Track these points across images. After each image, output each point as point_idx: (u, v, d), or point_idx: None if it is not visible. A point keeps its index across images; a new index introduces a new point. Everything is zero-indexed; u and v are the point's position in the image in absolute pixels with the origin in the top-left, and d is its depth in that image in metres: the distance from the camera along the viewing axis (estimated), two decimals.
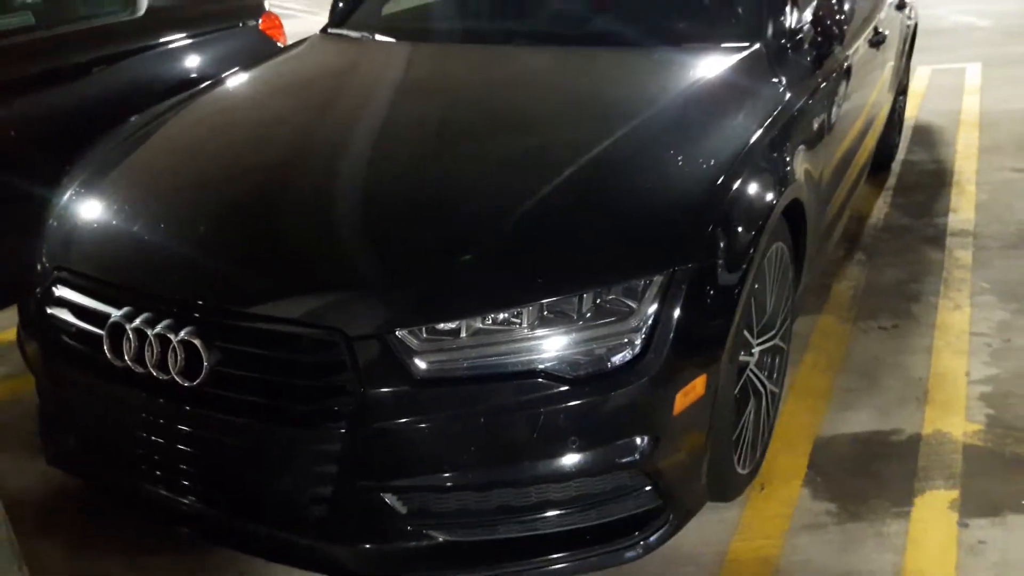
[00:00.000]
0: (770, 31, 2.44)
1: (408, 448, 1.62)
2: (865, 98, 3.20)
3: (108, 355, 1.79)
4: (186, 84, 3.76)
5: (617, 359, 1.64)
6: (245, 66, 2.80)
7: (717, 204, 1.81)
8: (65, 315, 1.93)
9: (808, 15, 2.57)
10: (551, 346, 1.63)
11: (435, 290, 1.65)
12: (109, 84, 3.64)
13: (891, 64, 3.85)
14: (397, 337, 1.60)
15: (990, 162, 4.60)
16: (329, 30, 3.06)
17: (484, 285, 1.66)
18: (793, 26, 2.50)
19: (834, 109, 2.65)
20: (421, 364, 1.60)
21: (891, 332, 3.00)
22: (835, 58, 2.61)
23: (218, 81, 2.69)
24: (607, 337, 1.64)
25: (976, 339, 2.92)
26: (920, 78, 6.40)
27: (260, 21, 4.36)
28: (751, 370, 2.14)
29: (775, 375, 2.33)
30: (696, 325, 1.71)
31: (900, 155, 4.75)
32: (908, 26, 4.22)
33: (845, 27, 2.51)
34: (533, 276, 1.66)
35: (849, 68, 2.84)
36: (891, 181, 4.42)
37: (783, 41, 2.46)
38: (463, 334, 1.62)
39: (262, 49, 4.22)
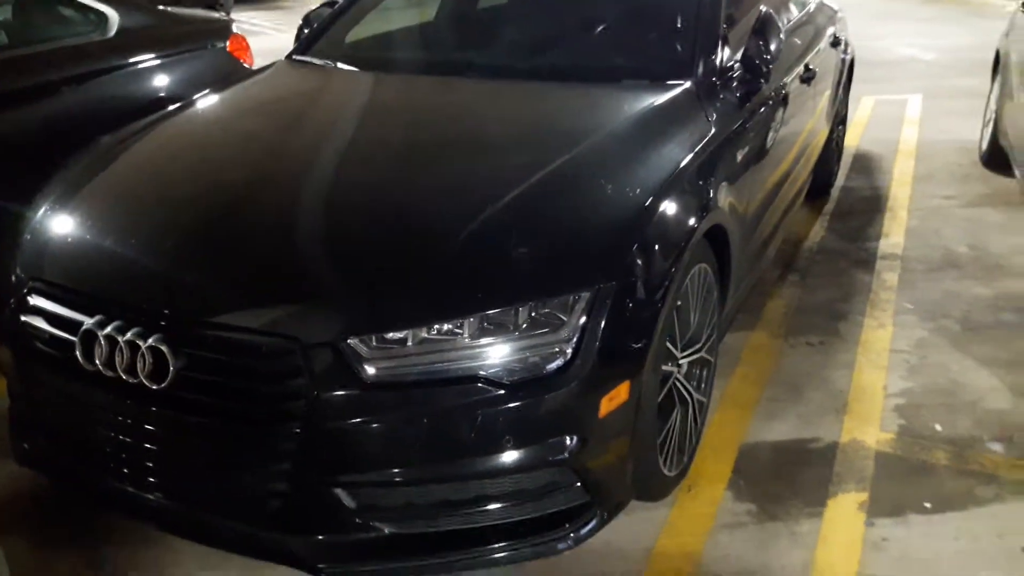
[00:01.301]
0: (701, 69, 2.65)
1: (357, 447, 1.78)
2: (797, 129, 3.43)
3: (80, 360, 1.92)
4: (155, 103, 3.91)
5: (549, 366, 1.82)
6: (213, 89, 2.96)
7: (639, 228, 2.00)
8: (39, 323, 2.06)
9: (737, 55, 2.79)
10: (489, 354, 1.80)
11: (384, 302, 1.82)
12: (80, 102, 3.77)
13: (826, 97, 4.10)
14: (349, 345, 1.76)
15: (923, 190, 4.88)
16: (294, 56, 3.22)
17: (429, 297, 1.83)
18: (723, 64, 2.72)
19: (762, 140, 2.88)
20: (370, 370, 1.76)
21: (818, 348, 3.22)
22: (763, 94, 2.83)
23: (187, 104, 2.84)
24: (540, 346, 1.82)
25: (896, 355, 3.15)
26: (864, 108, 6.72)
27: (228, 43, 4.51)
28: (677, 380, 2.33)
29: (702, 385, 2.52)
30: (620, 337, 1.89)
31: (840, 182, 5.02)
32: (844, 60, 4.49)
33: (771, 66, 2.73)
34: (474, 290, 1.84)
35: (778, 102, 3.07)
36: (829, 206, 4.68)
37: (713, 78, 2.67)
38: (409, 343, 1.78)
39: (229, 70, 4.39)
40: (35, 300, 2.09)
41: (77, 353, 1.93)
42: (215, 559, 2.16)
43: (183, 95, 3.91)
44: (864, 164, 5.40)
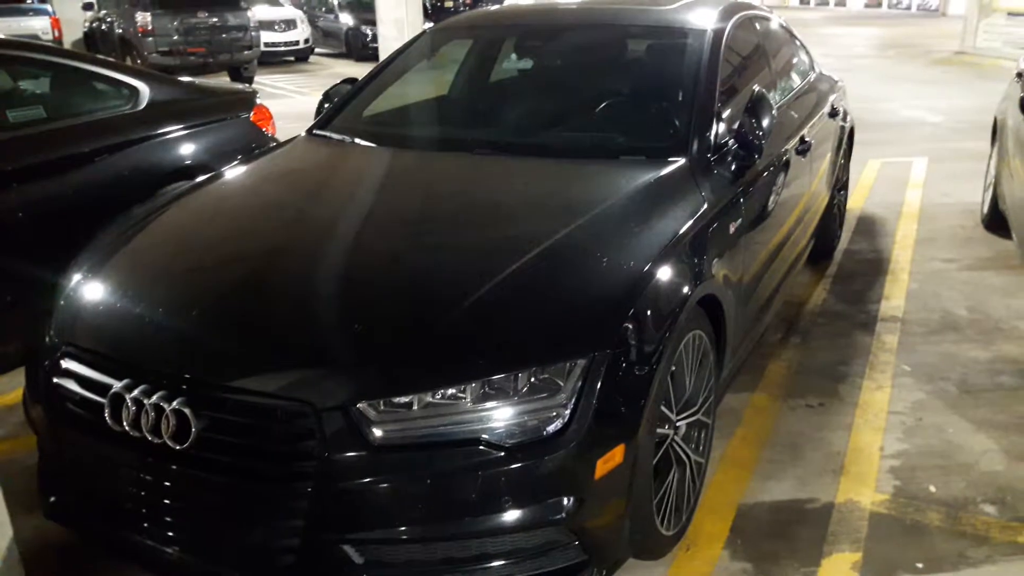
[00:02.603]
0: (695, 147, 2.80)
1: (364, 505, 1.89)
2: (794, 198, 3.57)
3: (108, 421, 2.06)
4: (183, 171, 4.14)
5: (546, 430, 1.93)
6: (237, 162, 3.14)
7: (633, 299, 2.13)
8: (70, 384, 2.21)
9: (731, 132, 2.94)
10: (490, 418, 1.92)
11: (392, 368, 1.96)
12: (112, 170, 3.97)
13: (825, 164, 4.25)
14: (358, 409, 1.89)
15: (924, 253, 4.99)
16: (314, 131, 3.41)
17: (434, 364, 1.96)
18: (717, 141, 2.87)
19: (757, 211, 3.02)
20: (378, 432, 1.88)
21: (817, 409, 3.31)
22: (756, 168, 2.97)
23: (212, 177, 3.03)
24: (538, 411, 1.94)
25: (893, 417, 3.23)
26: (869, 170, 6.88)
27: (252, 113, 4.74)
28: (675, 442, 2.43)
29: (700, 447, 2.62)
30: (614, 401, 2.01)
31: (843, 244, 5.14)
32: (843, 129, 4.65)
33: (763, 142, 2.88)
34: (476, 357, 1.97)
35: (773, 174, 3.22)
36: (832, 269, 4.79)
37: (708, 155, 2.82)
38: (415, 407, 1.91)
39: (253, 139, 4.61)
40: (67, 363, 2.23)
41: (106, 414, 2.06)
42: None
43: (210, 163, 4.15)
44: (867, 227, 5.53)
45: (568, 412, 1.95)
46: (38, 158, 3.73)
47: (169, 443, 1.97)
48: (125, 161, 4.04)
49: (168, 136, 4.25)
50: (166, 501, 2.04)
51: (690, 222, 2.48)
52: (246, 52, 13.46)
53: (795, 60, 4.33)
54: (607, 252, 2.28)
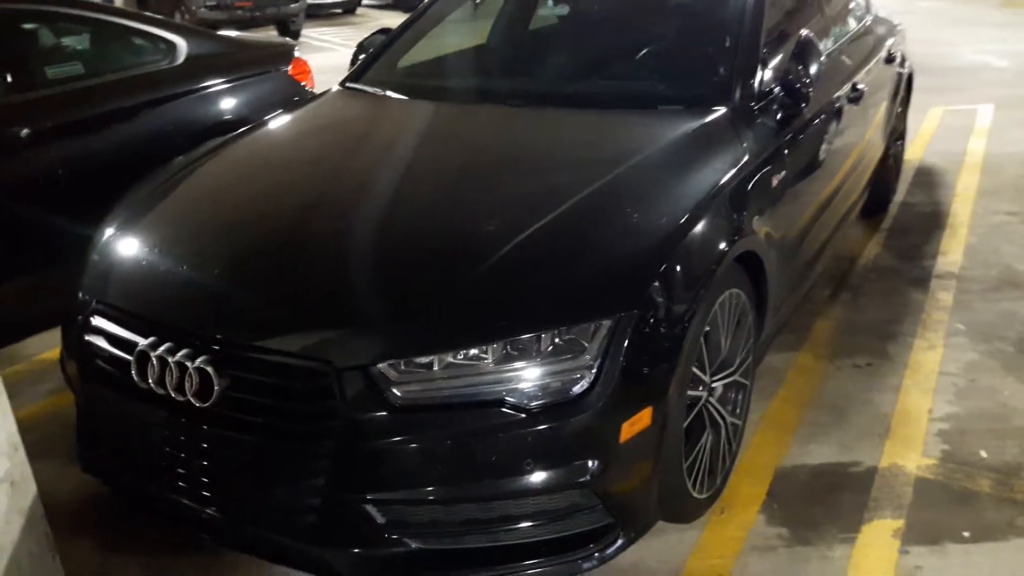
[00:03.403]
0: (738, 95, 2.67)
1: (386, 466, 1.87)
2: (845, 148, 3.41)
3: (135, 378, 2.06)
4: (221, 125, 4.11)
5: (570, 392, 1.88)
6: (269, 118, 3.10)
7: (663, 257, 2.04)
8: (100, 342, 2.22)
9: (777, 80, 2.80)
10: (512, 379, 1.87)
11: (412, 328, 1.92)
12: (150, 126, 3.97)
13: (880, 113, 4.06)
14: (379, 369, 1.85)
15: (986, 205, 4.76)
16: (347, 84, 3.35)
17: (455, 324, 1.91)
18: (761, 89, 2.73)
19: (803, 163, 2.88)
20: (398, 393, 1.85)
21: (864, 370, 3.19)
22: (803, 117, 2.83)
23: (243, 133, 2.99)
24: (561, 372, 1.88)
25: (944, 378, 3.10)
26: (931, 118, 6.58)
27: (290, 67, 4.70)
28: (709, 403, 2.35)
29: (737, 409, 2.54)
30: (641, 363, 1.94)
31: (899, 197, 4.93)
32: (900, 75, 4.42)
33: (810, 90, 2.73)
34: (499, 317, 1.91)
35: (821, 124, 3.07)
36: (886, 223, 4.60)
37: (752, 103, 2.69)
38: (436, 367, 1.87)
39: (291, 92, 4.57)
40: (97, 320, 2.24)
41: (132, 372, 2.07)
42: (262, 570, 2.28)
43: (247, 117, 4.11)
44: (926, 178, 5.29)
45: (593, 374, 1.88)
46: (76, 115, 3.73)
47: (193, 401, 1.97)
48: (163, 117, 4.03)
49: (206, 91, 4.22)
50: (192, 458, 2.04)
51: (729, 175, 2.37)
52: (293, 5, 13.39)
53: (850, 3, 4.11)
54: (638, 207, 2.20)
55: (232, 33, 5.16)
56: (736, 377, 2.48)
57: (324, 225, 2.29)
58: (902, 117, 4.75)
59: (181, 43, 4.25)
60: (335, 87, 3.38)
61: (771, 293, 2.59)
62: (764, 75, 2.79)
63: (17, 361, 3.52)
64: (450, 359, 1.87)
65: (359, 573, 1.97)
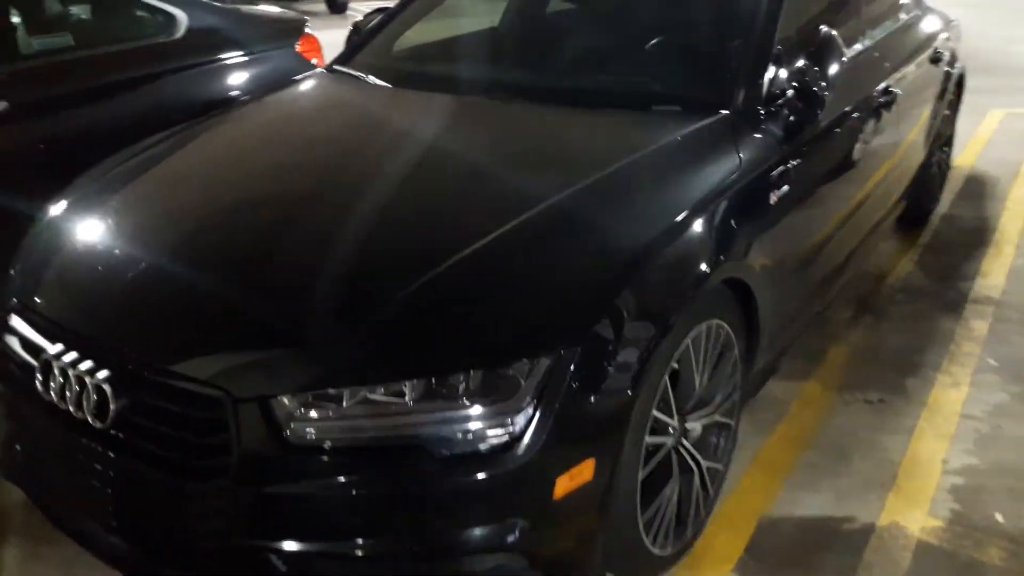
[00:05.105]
0: (741, 97, 2.38)
1: (283, 513, 1.65)
2: (874, 156, 3.08)
3: (39, 388, 1.88)
4: (218, 104, 3.89)
5: (497, 439, 1.63)
6: (233, 105, 2.89)
7: (618, 285, 1.78)
8: (14, 344, 2.04)
9: (791, 81, 2.48)
10: (431, 422, 1.63)
11: (319, 356, 1.69)
12: (142, 103, 3.79)
13: (921, 118, 3.70)
14: (279, 401, 1.63)
15: None
16: (333, 67, 3.12)
17: (369, 355, 1.68)
18: (771, 92, 2.42)
19: (816, 175, 2.58)
20: (297, 430, 1.62)
21: (876, 407, 2.88)
22: (818, 125, 2.52)
23: (197, 122, 2.74)
24: (489, 416, 1.63)
25: (965, 422, 2.78)
26: (989, 123, 6.12)
27: (299, 44, 4.49)
28: (682, 446, 2.10)
29: (717, 452, 2.27)
30: (583, 409, 1.69)
31: (942, 209, 4.55)
32: (949, 76, 4.03)
33: (827, 94, 2.42)
34: (420, 349, 1.68)
35: (844, 130, 2.75)
36: (924, 237, 4.24)
37: (758, 107, 2.39)
38: (345, 403, 1.64)
39: (296, 70, 4.33)
40: (14, 320, 2.07)
41: (37, 380, 1.89)
42: None
43: (244, 96, 3.92)
44: (976, 189, 4.89)
45: (524, 420, 1.64)
46: (61, 89, 3.57)
47: (89, 419, 1.78)
48: (157, 93, 3.84)
49: (204, 67, 4.04)
50: (95, 482, 1.86)
51: (714, 189, 2.09)
52: None
53: None
54: (601, 225, 1.93)
55: (243, 7, 4.95)
56: (716, 417, 2.21)
57: (239, 241, 2.03)
58: (949, 121, 4.35)
59: (181, 16, 4.06)
60: (319, 69, 3.16)
61: (763, 325, 2.30)
62: (777, 75, 2.48)
63: None
64: (362, 395, 1.64)
65: None
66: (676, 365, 1.95)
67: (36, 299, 2.07)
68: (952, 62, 4.06)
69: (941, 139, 4.24)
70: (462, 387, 1.64)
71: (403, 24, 3.29)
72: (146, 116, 3.75)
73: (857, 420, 2.80)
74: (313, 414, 1.63)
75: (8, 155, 3.35)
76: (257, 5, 4.92)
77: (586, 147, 2.28)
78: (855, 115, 2.85)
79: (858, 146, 2.93)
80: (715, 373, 2.17)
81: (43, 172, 3.40)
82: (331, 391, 1.63)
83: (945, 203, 4.61)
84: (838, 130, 2.72)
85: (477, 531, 1.65)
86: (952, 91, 4.16)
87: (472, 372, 1.64)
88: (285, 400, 1.63)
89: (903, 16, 3.76)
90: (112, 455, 1.78)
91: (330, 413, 1.63)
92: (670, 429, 2.02)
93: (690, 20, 2.87)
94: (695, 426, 2.16)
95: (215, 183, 2.33)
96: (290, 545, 1.67)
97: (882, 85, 3.07)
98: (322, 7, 13.04)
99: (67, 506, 1.96)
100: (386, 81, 2.89)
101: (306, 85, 3.02)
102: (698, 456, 2.15)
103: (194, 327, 1.81)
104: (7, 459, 2.19)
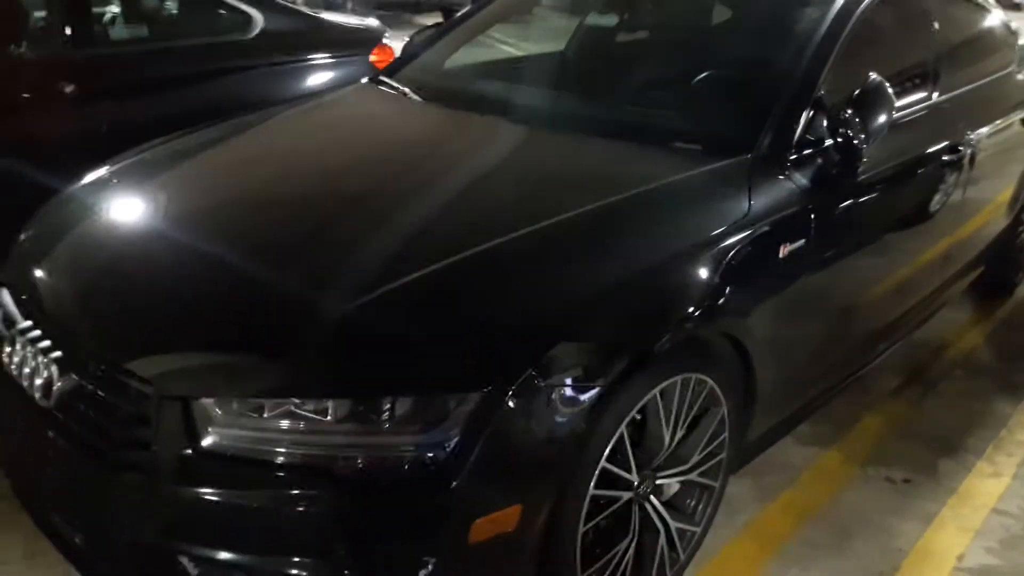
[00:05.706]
0: (767, 141, 2.22)
1: (192, 515, 1.61)
2: (934, 220, 2.84)
3: (4, 359, 1.93)
4: (274, 104, 3.98)
5: (414, 469, 1.55)
6: (270, 109, 2.90)
7: (569, 324, 1.69)
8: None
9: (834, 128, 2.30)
10: (351, 444, 1.56)
11: (248, 364, 1.65)
12: (204, 98, 3.90)
13: (1008, 179, 3.43)
14: (200, 404, 1.60)
15: None
16: (379, 79, 3.11)
17: (298, 368, 1.63)
18: (804, 138, 2.26)
19: (851, 235, 2.40)
20: (213, 435, 1.58)
21: (899, 487, 2.64)
22: (853, 179, 2.33)
23: (233, 122, 2.78)
24: (410, 446, 1.56)
25: (995, 517, 2.51)
26: None
27: (373, 53, 4.54)
28: (648, 502, 1.96)
29: (694, 514, 2.12)
30: (513, 451, 1.59)
31: None
32: None
33: (866, 146, 2.24)
34: (351, 368, 1.62)
35: (892, 189, 2.56)
36: (1003, 311, 3.91)
37: (787, 154, 2.23)
38: (267, 414, 1.59)
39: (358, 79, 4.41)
40: (2, 293, 2.12)
41: (4, 351, 1.93)
42: None
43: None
44: None
45: (445, 454, 1.55)
46: (127, 78, 3.71)
47: (36, 396, 1.79)
48: (220, 90, 3.96)
49: (273, 69, 4.13)
50: (41, 459, 1.87)
51: (709, 234, 1.96)
52: None
53: (986, 42, 3.49)
54: (569, 260, 1.82)
55: (326, 14, 5.02)
56: (694, 477, 2.06)
57: (214, 242, 1.99)
58: None
59: (257, 16, 4.16)
60: (364, 80, 3.17)
61: (761, 388, 2.13)
62: (816, 121, 2.31)
63: None
64: (284, 408, 1.58)
65: None
66: (638, 416, 1.82)
67: (23, 274, 2.12)
68: None
69: None
70: (387, 412, 1.57)
71: (453, 41, 3.26)
72: (203, 110, 3.86)
73: (873, 499, 2.58)
74: (231, 421, 1.59)
75: (69, 136, 3.50)
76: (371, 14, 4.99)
77: (585, 180, 2.17)
78: (909, 172, 2.65)
79: (910, 205, 2.72)
80: (694, 430, 2.02)
81: (97, 156, 3.57)
82: (252, 400, 1.59)
83: None
84: (883, 186, 2.51)
85: (381, 562, 1.57)
86: None
87: (400, 399, 1.57)
88: (206, 403, 1.60)
89: (1000, 71, 3.50)
90: (52, 435, 1.79)
91: (248, 423, 1.59)
92: (629, 483, 1.88)
93: (733, 58, 2.72)
94: (669, 483, 2.02)
95: (207, 185, 2.35)
96: (200, 550, 1.63)
97: (948, 142, 2.84)
98: (438, 18, 13.31)
99: (24, 479, 1.99)
100: (419, 96, 2.85)
101: (339, 94, 3.04)
102: (666, 515, 2.00)
103: (147, 324, 1.79)
104: None
